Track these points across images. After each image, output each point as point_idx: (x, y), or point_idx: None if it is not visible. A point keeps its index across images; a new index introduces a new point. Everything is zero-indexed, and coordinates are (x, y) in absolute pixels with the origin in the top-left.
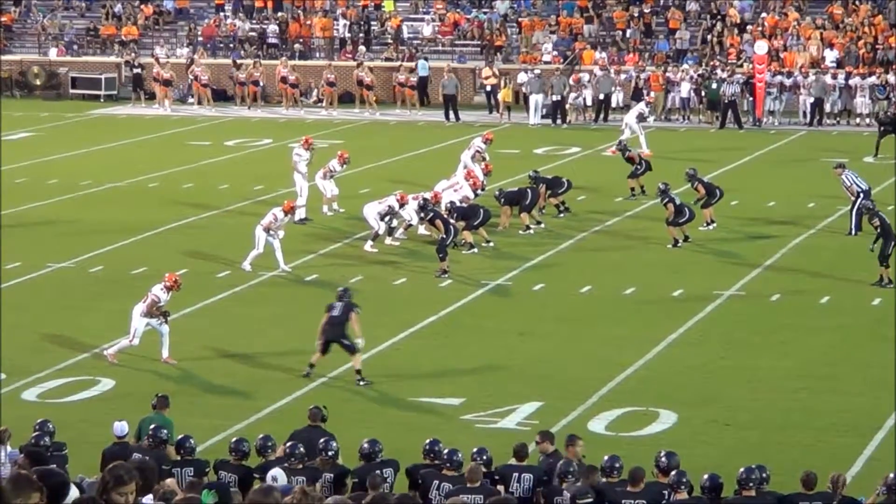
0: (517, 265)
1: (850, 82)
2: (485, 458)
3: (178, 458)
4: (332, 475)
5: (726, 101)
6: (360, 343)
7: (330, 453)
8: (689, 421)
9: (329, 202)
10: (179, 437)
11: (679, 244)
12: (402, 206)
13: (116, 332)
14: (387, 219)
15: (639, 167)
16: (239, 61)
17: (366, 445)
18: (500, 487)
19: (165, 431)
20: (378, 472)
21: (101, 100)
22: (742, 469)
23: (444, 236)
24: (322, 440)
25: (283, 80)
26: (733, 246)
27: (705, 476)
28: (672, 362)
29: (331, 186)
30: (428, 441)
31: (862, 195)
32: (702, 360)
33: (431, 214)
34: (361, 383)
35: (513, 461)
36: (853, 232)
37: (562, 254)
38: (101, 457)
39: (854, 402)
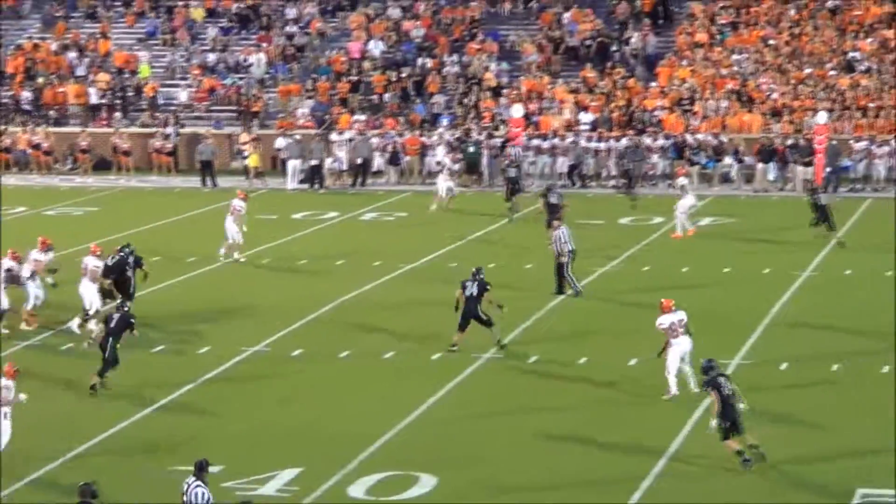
0: (276, 332)
1: (604, 145)
2: None
3: None
4: None
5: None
6: None
7: None
8: (450, 483)
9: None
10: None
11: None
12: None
13: None
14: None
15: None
16: None
17: None
18: None
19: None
20: None
21: None
22: None
23: None
24: None
25: (36, 146)
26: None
27: None
28: (432, 425)
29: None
30: None
31: (570, 254)
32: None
33: None
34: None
35: None
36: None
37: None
38: None
39: None
